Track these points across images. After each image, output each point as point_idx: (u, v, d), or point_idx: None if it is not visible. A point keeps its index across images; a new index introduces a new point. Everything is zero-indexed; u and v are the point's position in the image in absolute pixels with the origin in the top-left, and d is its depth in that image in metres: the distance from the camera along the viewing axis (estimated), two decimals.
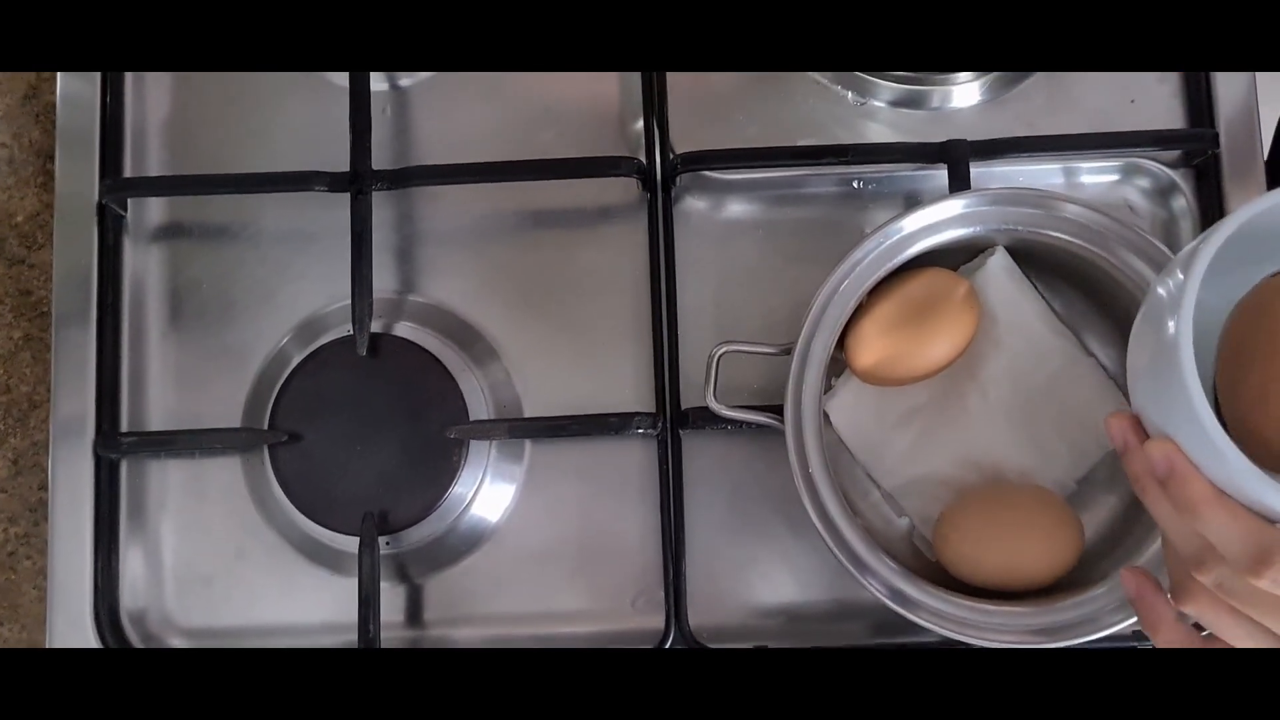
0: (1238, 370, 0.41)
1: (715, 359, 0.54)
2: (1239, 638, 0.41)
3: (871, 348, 0.54)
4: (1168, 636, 0.43)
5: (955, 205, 0.53)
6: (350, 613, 0.57)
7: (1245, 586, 0.39)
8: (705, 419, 0.58)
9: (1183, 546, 0.41)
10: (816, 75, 0.64)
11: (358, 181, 0.60)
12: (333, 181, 0.60)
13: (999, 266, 0.56)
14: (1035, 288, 0.57)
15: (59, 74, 0.64)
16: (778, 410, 0.54)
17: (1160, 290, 0.40)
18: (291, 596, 0.61)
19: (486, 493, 0.60)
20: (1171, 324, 0.38)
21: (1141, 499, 0.42)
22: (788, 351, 0.54)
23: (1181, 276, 0.38)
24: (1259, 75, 0.62)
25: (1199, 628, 0.43)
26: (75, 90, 0.64)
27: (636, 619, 0.60)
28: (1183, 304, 0.38)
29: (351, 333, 0.59)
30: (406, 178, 0.61)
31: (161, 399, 0.63)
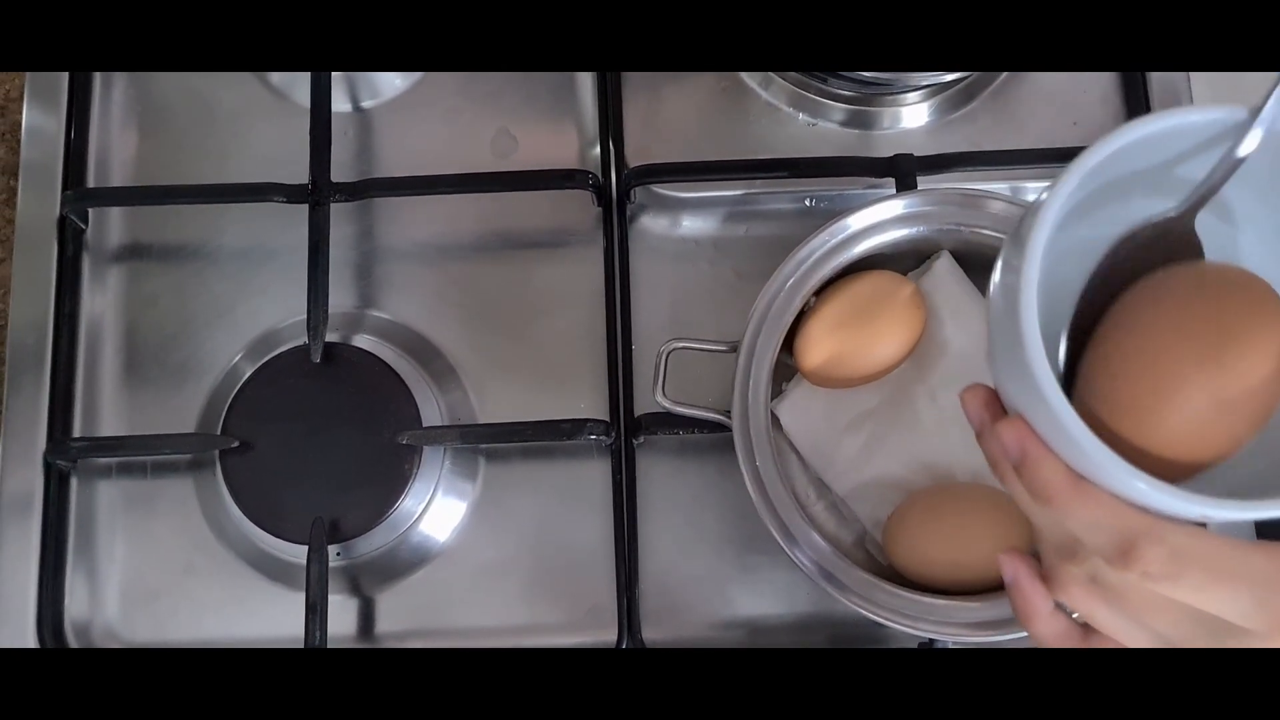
0: (1109, 364, 0.36)
1: (664, 355, 0.55)
2: (1118, 631, 0.37)
3: (818, 347, 0.54)
4: (1043, 629, 0.39)
5: (897, 205, 0.54)
6: (301, 627, 0.57)
7: (1118, 578, 0.35)
8: (658, 423, 0.58)
9: (1051, 535, 0.37)
10: (769, 97, 0.65)
11: (316, 193, 0.61)
12: (291, 193, 0.61)
13: (944, 270, 0.57)
14: (981, 291, 0.58)
15: (25, 93, 0.65)
16: (729, 413, 0.54)
17: (1010, 245, 0.34)
18: (240, 611, 0.60)
19: (439, 505, 0.60)
20: (1013, 287, 0.32)
21: (1002, 485, 0.37)
22: (736, 349, 0.54)
23: (1027, 229, 0.33)
24: (1193, 92, 0.64)
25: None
26: (41, 108, 0.65)
27: (590, 632, 0.59)
28: (1025, 267, 0.32)
29: (307, 343, 0.59)
30: (364, 190, 0.62)
31: (115, 412, 0.62)
